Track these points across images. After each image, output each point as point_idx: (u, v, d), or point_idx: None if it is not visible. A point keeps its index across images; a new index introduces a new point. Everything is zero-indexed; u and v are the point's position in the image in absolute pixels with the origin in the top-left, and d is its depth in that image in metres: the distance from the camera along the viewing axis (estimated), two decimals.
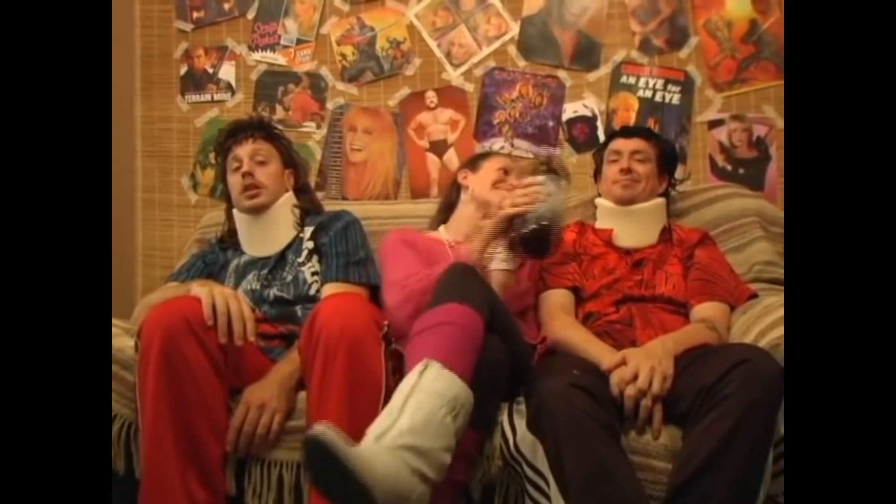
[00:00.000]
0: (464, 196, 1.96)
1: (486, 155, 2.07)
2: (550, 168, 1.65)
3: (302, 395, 1.47)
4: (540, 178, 1.58)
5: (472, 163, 2.02)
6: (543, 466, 1.29)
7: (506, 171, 1.94)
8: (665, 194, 1.93)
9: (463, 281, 1.40)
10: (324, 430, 1.03)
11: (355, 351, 1.36)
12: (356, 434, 1.31)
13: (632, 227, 1.84)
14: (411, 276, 1.63)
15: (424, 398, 1.16)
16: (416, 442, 1.11)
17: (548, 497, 1.28)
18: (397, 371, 1.42)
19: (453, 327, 1.28)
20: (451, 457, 1.18)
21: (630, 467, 1.27)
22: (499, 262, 1.63)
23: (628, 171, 1.84)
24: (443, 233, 1.95)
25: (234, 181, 1.87)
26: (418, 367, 1.21)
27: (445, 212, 2.02)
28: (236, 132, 1.92)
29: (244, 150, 1.88)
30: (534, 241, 1.52)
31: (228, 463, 1.44)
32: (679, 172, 2.02)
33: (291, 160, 2.00)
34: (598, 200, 1.92)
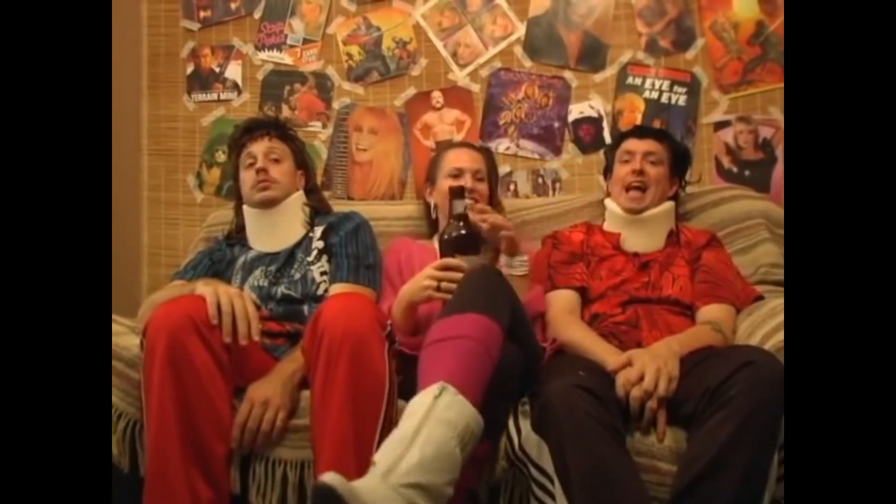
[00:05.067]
0: (433, 213, 1.97)
1: (437, 162, 2.00)
2: (467, 228, 1.59)
3: (305, 393, 1.48)
4: (453, 261, 1.54)
5: (430, 175, 2.01)
6: (549, 466, 1.29)
7: (456, 175, 1.91)
8: (674, 197, 1.92)
9: (488, 288, 1.37)
10: (332, 476, 1.04)
11: (358, 350, 1.35)
12: (359, 433, 1.32)
13: (641, 232, 1.84)
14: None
15: (436, 428, 1.14)
16: (424, 479, 1.10)
17: (553, 497, 1.28)
18: (400, 371, 1.42)
19: (473, 343, 1.26)
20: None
21: (634, 469, 1.27)
22: (511, 269, 1.63)
23: (640, 172, 1.83)
24: (435, 244, 1.93)
25: (248, 176, 1.88)
26: (433, 390, 1.19)
27: (432, 222, 2.03)
28: (252, 129, 1.94)
29: (259, 148, 1.89)
30: None
31: (233, 461, 1.44)
32: (689, 174, 2.01)
33: (304, 161, 2.01)
34: (608, 203, 1.92)
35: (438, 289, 1.51)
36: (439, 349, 1.28)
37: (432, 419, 1.15)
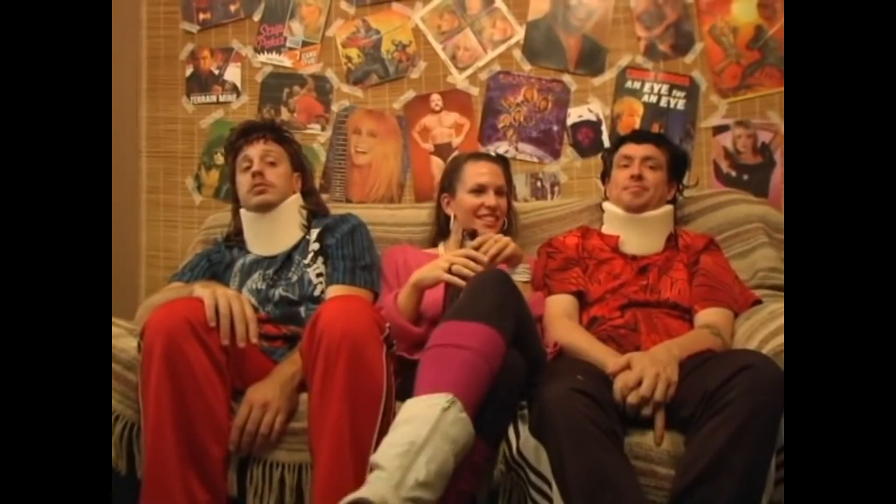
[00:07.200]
0: (453, 224, 1.94)
1: (456, 173, 1.97)
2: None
3: (303, 396, 1.47)
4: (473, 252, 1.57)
5: (448, 185, 1.98)
6: (546, 471, 1.29)
7: (479, 191, 1.90)
8: (673, 200, 1.92)
9: (497, 296, 1.37)
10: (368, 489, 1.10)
11: (356, 353, 1.35)
12: (356, 436, 1.32)
13: (639, 234, 1.84)
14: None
15: (441, 444, 1.17)
16: (426, 496, 1.13)
17: (550, 501, 1.28)
18: (398, 374, 1.42)
19: (478, 358, 1.27)
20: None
21: (632, 474, 1.27)
22: (515, 275, 1.62)
23: (639, 177, 1.83)
24: (441, 251, 1.93)
25: (244, 180, 1.88)
26: (441, 402, 1.21)
27: (441, 229, 2.00)
28: (248, 132, 1.93)
29: (255, 151, 1.89)
30: None
31: (230, 464, 1.44)
32: (687, 178, 2.01)
33: (300, 164, 2.01)
34: (606, 205, 1.92)
35: (450, 271, 1.54)
36: (445, 355, 1.29)
37: (439, 433, 1.18)
